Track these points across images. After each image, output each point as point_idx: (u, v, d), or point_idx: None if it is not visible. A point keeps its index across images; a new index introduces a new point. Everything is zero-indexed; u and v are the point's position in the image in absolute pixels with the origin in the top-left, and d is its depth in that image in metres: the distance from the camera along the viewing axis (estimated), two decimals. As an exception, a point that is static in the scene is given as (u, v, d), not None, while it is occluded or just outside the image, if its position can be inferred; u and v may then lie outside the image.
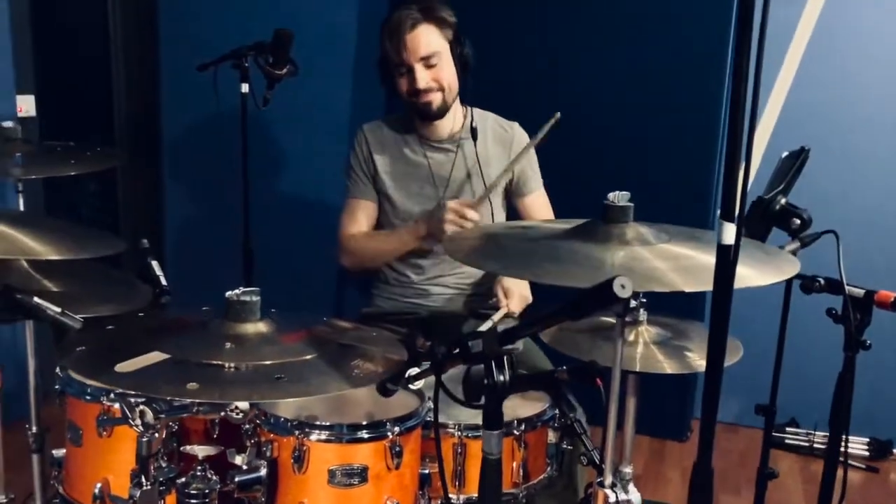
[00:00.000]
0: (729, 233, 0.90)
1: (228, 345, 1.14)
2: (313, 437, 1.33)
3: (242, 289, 1.19)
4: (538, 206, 2.31)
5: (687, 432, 3.35)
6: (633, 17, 3.04)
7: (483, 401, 1.01)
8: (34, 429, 2.01)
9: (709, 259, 1.08)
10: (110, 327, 1.24)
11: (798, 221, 1.68)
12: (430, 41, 2.08)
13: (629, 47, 3.05)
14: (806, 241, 1.60)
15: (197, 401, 1.10)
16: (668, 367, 1.56)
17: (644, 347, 1.61)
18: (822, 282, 1.52)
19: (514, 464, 1.58)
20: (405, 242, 2.19)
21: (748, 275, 1.15)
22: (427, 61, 2.09)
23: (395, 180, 2.23)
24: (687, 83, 2.98)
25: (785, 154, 1.70)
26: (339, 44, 3.35)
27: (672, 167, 3.02)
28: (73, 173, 1.92)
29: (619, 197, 1.27)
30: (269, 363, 1.11)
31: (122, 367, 1.02)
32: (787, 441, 3.23)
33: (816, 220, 1.67)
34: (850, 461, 3.02)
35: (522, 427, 1.58)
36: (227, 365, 1.07)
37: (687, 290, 1.08)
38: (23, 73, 3.20)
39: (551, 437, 1.67)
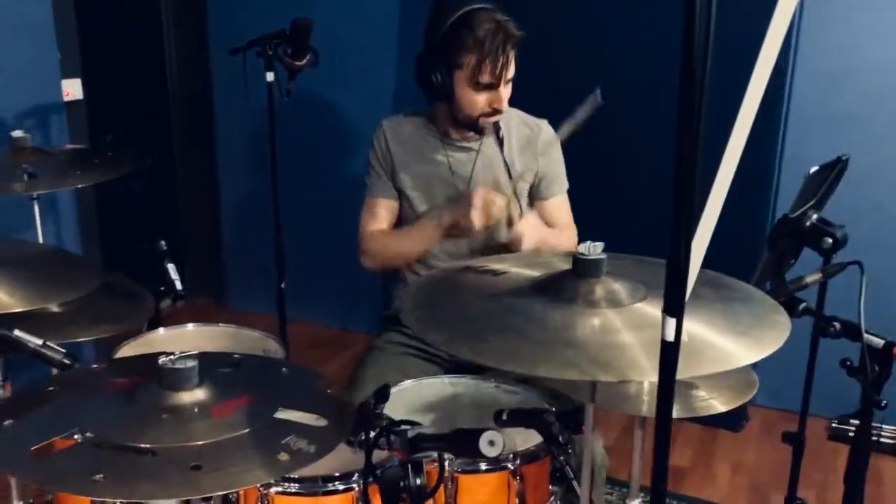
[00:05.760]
0: (670, 329, 0.79)
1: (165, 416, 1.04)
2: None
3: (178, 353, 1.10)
4: (557, 213, 2.17)
5: (743, 421, 3.19)
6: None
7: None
8: None
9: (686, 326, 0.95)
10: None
11: (830, 240, 1.51)
12: (513, 64, 1.98)
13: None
14: (830, 273, 1.43)
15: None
16: (675, 410, 1.45)
17: (651, 388, 1.50)
18: (839, 326, 1.35)
19: (510, 498, 1.51)
20: (429, 237, 2.07)
21: (735, 353, 1.02)
22: (509, 83, 2.00)
23: (414, 178, 2.13)
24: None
25: (814, 169, 1.52)
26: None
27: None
28: (80, 185, 1.89)
29: (591, 248, 1.12)
30: (191, 444, 0.99)
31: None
32: (850, 434, 3.05)
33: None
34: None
35: (518, 461, 1.50)
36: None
37: (643, 379, 0.96)
38: (70, 56, 3.21)
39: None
